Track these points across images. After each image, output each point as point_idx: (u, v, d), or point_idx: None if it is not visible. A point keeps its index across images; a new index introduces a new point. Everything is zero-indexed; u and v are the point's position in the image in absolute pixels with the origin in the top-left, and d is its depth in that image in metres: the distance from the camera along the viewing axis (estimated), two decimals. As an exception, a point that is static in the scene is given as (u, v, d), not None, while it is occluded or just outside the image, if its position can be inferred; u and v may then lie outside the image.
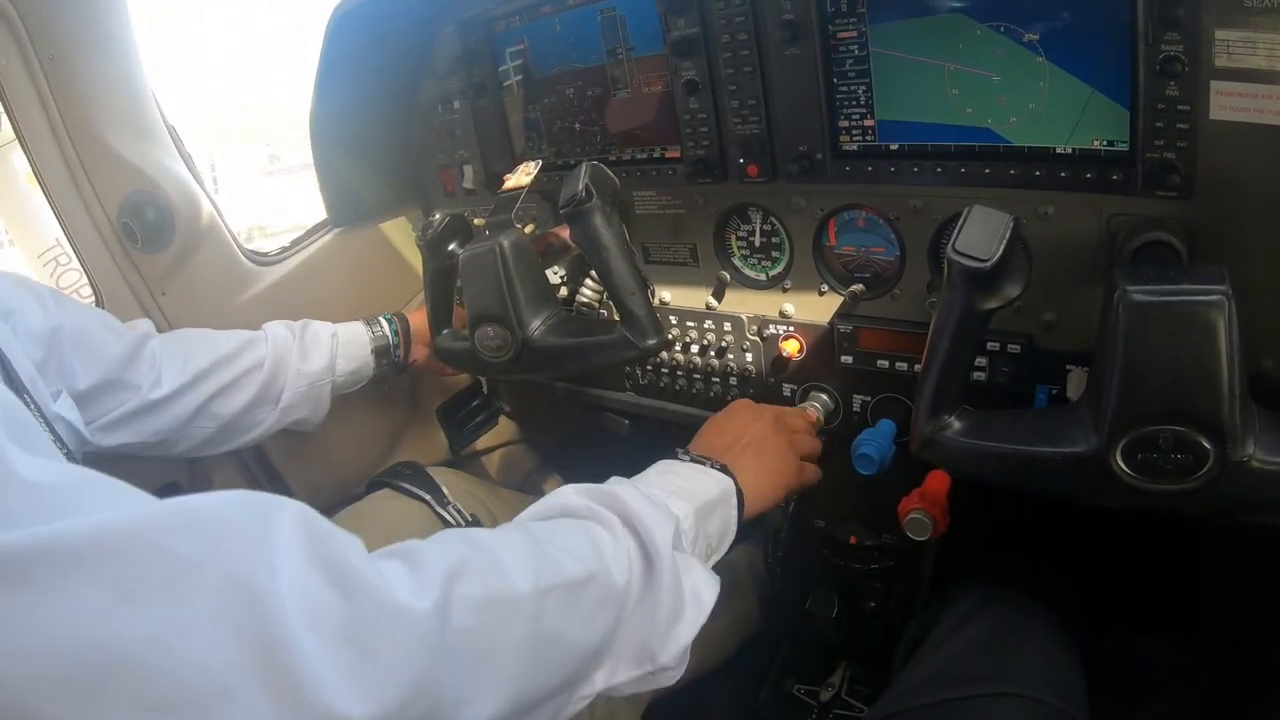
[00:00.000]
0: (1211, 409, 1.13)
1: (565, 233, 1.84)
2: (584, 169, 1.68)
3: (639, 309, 1.70)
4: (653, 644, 1.13)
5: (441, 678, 0.84)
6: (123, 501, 0.75)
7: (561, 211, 1.70)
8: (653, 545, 1.13)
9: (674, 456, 1.45)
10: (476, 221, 1.95)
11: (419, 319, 2.20)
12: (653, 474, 1.38)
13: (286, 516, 0.81)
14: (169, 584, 0.70)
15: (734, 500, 1.38)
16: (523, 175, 1.92)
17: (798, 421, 1.71)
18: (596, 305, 2.11)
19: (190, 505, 0.76)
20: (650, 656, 1.13)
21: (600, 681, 1.09)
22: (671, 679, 1.18)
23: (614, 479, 1.28)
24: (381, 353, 2.17)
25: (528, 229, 2.13)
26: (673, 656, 1.15)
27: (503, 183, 1.94)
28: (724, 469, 1.41)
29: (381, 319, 2.20)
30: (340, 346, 2.08)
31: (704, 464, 1.41)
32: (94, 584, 0.67)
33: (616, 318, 1.75)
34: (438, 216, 1.92)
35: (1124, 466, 1.21)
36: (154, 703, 0.68)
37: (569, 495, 1.21)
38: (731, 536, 1.38)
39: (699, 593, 1.20)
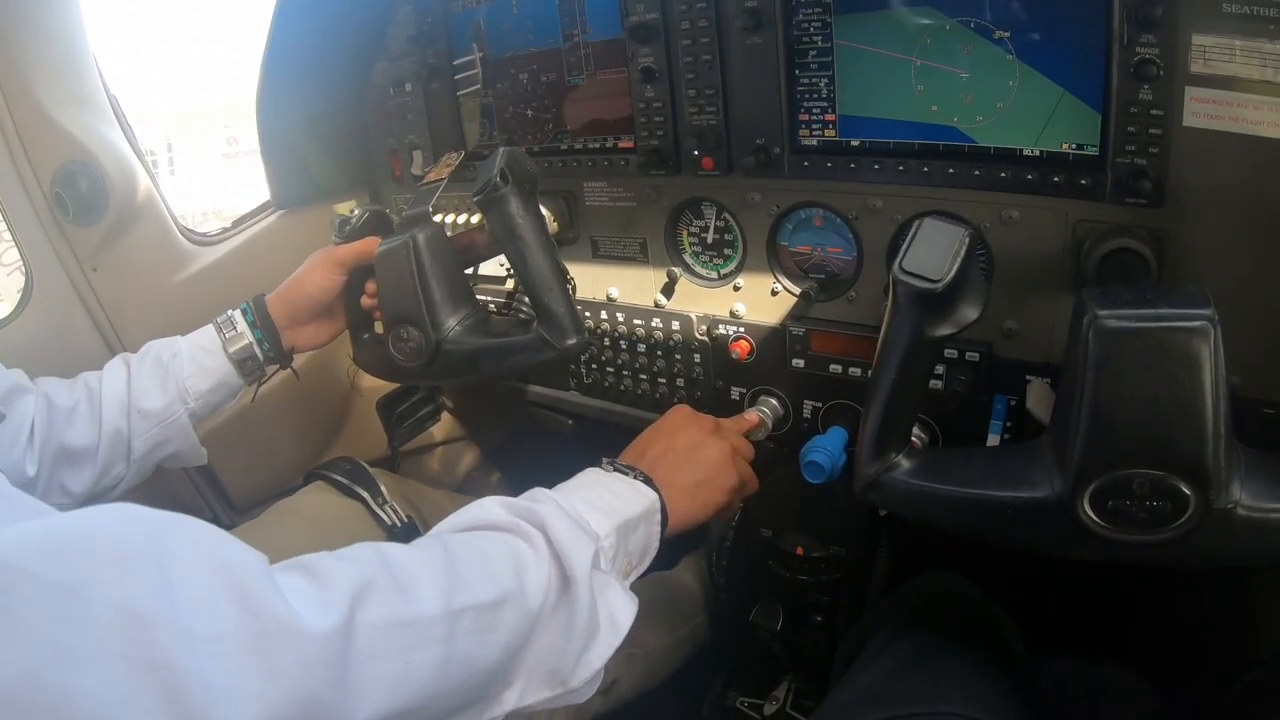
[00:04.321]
0: (1193, 451, 1.03)
1: None
2: (500, 154, 1.59)
3: (557, 305, 1.61)
4: (564, 667, 1.10)
5: (339, 698, 0.82)
6: None
7: (475, 199, 1.61)
8: (570, 568, 1.10)
9: (600, 465, 1.39)
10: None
11: (285, 296, 1.87)
12: (577, 484, 1.32)
13: (182, 533, 0.80)
14: (46, 613, 0.67)
15: (658, 516, 1.32)
16: (443, 167, 1.85)
17: (736, 427, 1.67)
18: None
19: (68, 527, 0.73)
20: (561, 680, 1.10)
21: (510, 702, 1.07)
22: (582, 698, 1.15)
23: (537, 490, 1.24)
24: (245, 355, 1.82)
25: (475, 219, 2.06)
26: (583, 679, 1.12)
27: (426, 176, 1.87)
28: (648, 480, 1.34)
29: (235, 313, 1.83)
30: (185, 366, 1.77)
31: (628, 474, 1.34)
32: None
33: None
34: (356, 212, 1.83)
35: (1092, 514, 1.10)
36: None
37: (492, 507, 1.16)
38: (654, 552, 1.32)
39: (615, 615, 1.16)
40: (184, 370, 1.76)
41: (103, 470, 1.69)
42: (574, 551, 1.10)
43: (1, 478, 0.85)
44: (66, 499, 1.66)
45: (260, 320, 1.83)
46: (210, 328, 1.82)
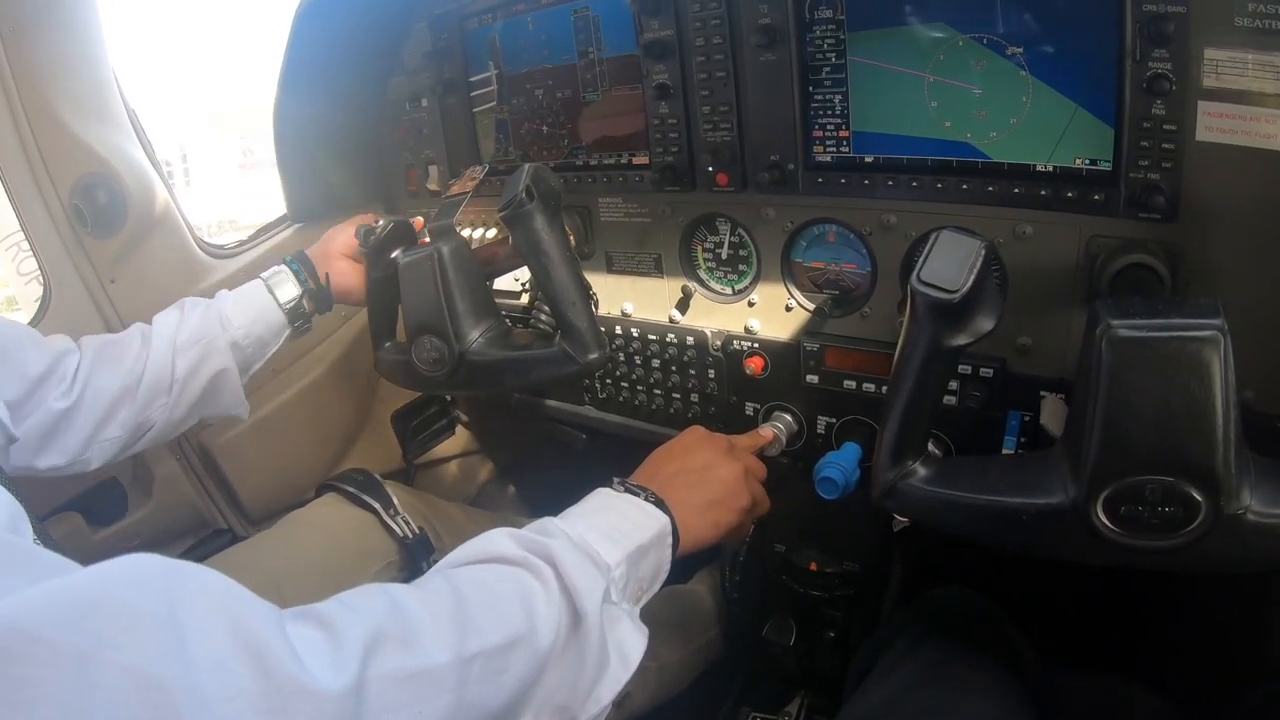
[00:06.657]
0: (1204, 458, 1.04)
1: None
2: (526, 170, 1.60)
3: (580, 320, 1.61)
4: (574, 703, 1.08)
5: None
6: (2, 585, 0.70)
7: (500, 214, 1.61)
8: (580, 603, 1.08)
9: (611, 485, 1.35)
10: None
11: (320, 248, 2.01)
12: (587, 509, 1.29)
13: (193, 588, 0.78)
14: (60, 679, 0.66)
15: (669, 540, 1.29)
16: (467, 181, 1.86)
17: (750, 445, 1.67)
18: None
19: (79, 588, 0.72)
20: (571, 715, 1.09)
21: None
22: None
23: (546, 520, 1.21)
24: (288, 293, 1.92)
25: (491, 233, 2.07)
26: (592, 714, 1.10)
27: (450, 189, 1.88)
28: (660, 502, 1.31)
29: (277, 266, 1.96)
30: (227, 301, 1.87)
31: (639, 495, 1.31)
32: None
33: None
34: (380, 222, 1.83)
35: (1105, 520, 1.11)
36: None
37: (501, 540, 1.14)
38: (665, 575, 1.30)
39: (625, 650, 1.14)
40: (225, 305, 1.85)
41: (147, 401, 1.77)
42: (585, 587, 1.09)
43: (21, 536, 0.85)
44: (119, 431, 1.75)
45: (302, 263, 1.95)
46: (256, 279, 1.93)
